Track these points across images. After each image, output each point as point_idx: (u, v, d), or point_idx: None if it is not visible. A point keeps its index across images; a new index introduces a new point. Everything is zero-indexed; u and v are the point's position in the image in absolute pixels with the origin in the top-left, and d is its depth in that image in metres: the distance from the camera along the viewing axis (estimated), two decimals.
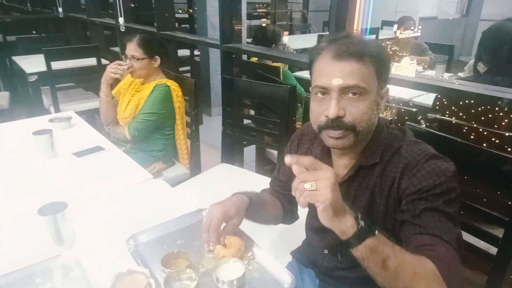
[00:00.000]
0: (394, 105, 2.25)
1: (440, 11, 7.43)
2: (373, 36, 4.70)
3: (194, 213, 1.09)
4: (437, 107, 1.75)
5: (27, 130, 1.60)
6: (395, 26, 3.62)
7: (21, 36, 4.17)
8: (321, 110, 0.87)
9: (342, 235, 0.76)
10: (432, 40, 5.27)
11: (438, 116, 1.52)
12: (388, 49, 3.71)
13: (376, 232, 0.75)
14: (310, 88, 0.91)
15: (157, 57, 1.94)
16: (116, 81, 2.04)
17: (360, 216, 0.76)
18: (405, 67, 2.47)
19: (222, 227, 0.91)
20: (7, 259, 0.92)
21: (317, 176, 0.72)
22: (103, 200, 1.20)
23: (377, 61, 0.86)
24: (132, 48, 1.86)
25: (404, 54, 3.45)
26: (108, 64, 1.96)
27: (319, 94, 0.87)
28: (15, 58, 3.63)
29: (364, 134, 0.89)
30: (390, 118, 1.64)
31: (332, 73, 0.83)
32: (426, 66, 3.31)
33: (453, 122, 1.49)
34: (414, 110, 1.65)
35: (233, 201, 0.95)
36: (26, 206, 1.14)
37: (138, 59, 1.87)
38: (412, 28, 3.62)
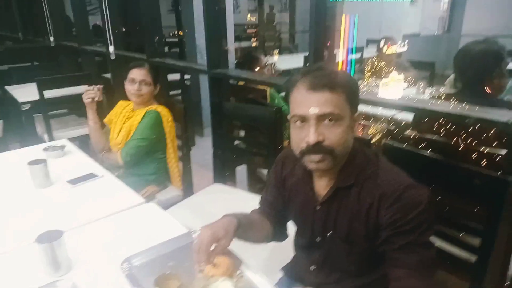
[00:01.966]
0: (377, 123, 2.33)
1: (422, 28, 7.69)
2: (358, 55, 4.86)
3: (184, 235, 1.14)
4: (415, 124, 1.84)
5: (22, 160, 1.66)
6: (381, 42, 3.76)
7: (14, 66, 4.24)
8: (301, 137, 0.94)
9: None
10: (417, 55, 5.45)
11: (414, 133, 1.60)
12: (375, 66, 3.84)
13: None
14: (289, 117, 0.99)
15: (158, 85, 2.05)
16: (108, 106, 2.12)
17: None
18: (391, 83, 2.54)
19: (212, 248, 0.97)
20: (5, 286, 0.96)
21: None
22: (97, 225, 1.25)
23: (348, 90, 0.95)
24: (143, 74, 1.97)
25: (389, 70, 3.56)
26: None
27: (298, 123, 0.95)
28: (8, 87, 3.69)
29: (341, 156, 0.97)
30: (370, 136, 1.72)
31: (309, 103, 0.92)
32: (411, 81, 3.42)
33: (429, 138, 1.57)
34: (393, 128, 1.73)
35: (222, 223, 1.00)
36: (23, 234, 1.19)
37: (147, 84, 1.98)
38: (397, 44, 3.76)
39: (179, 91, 4.58)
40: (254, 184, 2.64)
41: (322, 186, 1.04)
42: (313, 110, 0.91)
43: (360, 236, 0.98)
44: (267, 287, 0.94)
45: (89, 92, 1.98)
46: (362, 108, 2.47)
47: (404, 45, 4.42)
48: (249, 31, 9.13)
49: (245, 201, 1.98)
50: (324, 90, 0.91)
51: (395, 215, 0.92)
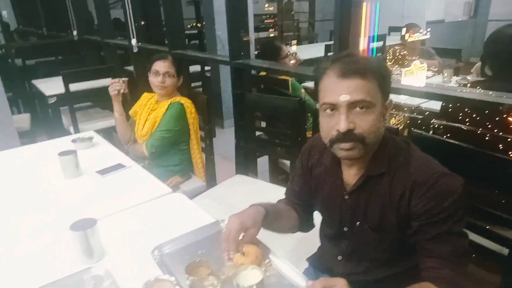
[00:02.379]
0: (401, 113, 2.28)
1: (447, 14, 7.44)
2: (381, 43, 4.75)
3: (213, 224, 1.15)
4: (443, 113, 1.79)
5: (51, 151, 1.71)
6: (403, 30, 3.67)
7: (40, 60, 4.36)
8: (331, 125, 0.93)
9: None
10: (441, 43, 5.28)
11: (443, 122, 1.56)
12: (397, 54, 3.75)
13: None
14: (318, 105, 0.98)
15: (181, 76, 2.07)
16: (132, 99, 2.15)
17: None
18: (415, 71, 2.47)
19: (240, 237, 0.98)
20: (41, 273, 0.99)
21: None
22: (127, 214, 1.28)
23: (379, 76, 0.92)
24: (167, 66, 1.99)
25: (413, 58, 3.47)
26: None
27: (328, 110, 0.93)
28: (34, 81, 3.79)
29: (373, 144, 0.95)
30: (397, 127, 1.69)
31: (339, 90, 0.90)
32: (435, 70, 3.33)
33: (459, 127, 1.52)
34: (420, 117, 1.69)
35: (250, 212, 1.01)
36: (57, 223, 1.23)
37: (170, 76, 2.00)
38: (421, 31, 3.65)
39: (200, 83, 4.61)
40: (276, 175, 2.64)
41: (351, 175, 1.03)
42: (344, 98, 0.89)
43: (391, 225, 0.97)
44: (296, 276, 0.95)
45: (115, 85, 2.02)
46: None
47: (427, 32, 4.29)
48: (266, 21, 9.04)
49: (267, 192, 1.99)
50: (355, 77, 0.89)
51: (429, 204, 0.90)
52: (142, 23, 3.24)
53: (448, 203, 0.89)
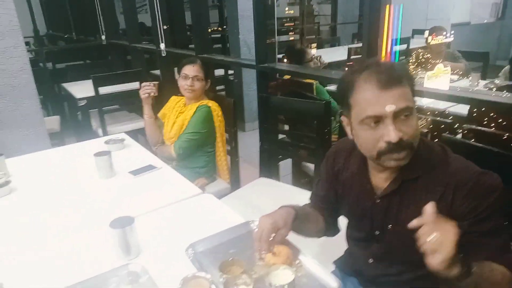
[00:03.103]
0: (423, 116, 2.26)
1: (473, 16, 7.28)
2: (404, 46, 4.70)
3: (243, 224, 1.19)
4: (472, 117, 1.77)
5: (85, 152, 1.78)
6: (426, 32, 3.62)
7: (70, 64, 4.52)
8: (377, 137, 0.92)
9: (446, 278, 0.81)
10: (466, 45, 5.18)
11: (473, 126, 1.54)
12: (421, 57, 3.71)
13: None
14: (348, 117, 0.97)
15: (209, 80, 2.13)
16: (157, 102, 2.22)
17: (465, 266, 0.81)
18: (438, 75, 2.44)
19: (271, 237, 1.00)
20: (81, 268, 1.05)
21: (443, 230, 0.77)
22: (160, 214, 1.33)
23: (410, 80, 0.94)
24: (196, 70, 2.05)
25: (437, 61, 3.43)
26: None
27: (372, 124, 0.92)
28: (64, 85, 3.94)
29: (416, 148, 0.95)
30: (426, 130, 1.68)
31: (383, 101, 0.89)
32: (461, 73, 3.28)
33: (490, 132, 1.51)
34: (448, 121, 1.67)
35: (281, 213, 1.03)
36: (93, 221, 1.29)
37: (199, 80, 2.06)
38: (444, 33, 3.60)
39: (223, 86, 4.67)
40: (299, 178, 2.65)
41: (381, 179, 1.04)
42: (390, 108, 0.88)
43: None
44: (326, 276, 0.96)
45: (146, 88, 2.08)
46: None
47: (450, 35, 4.22)
48: (287, 24, 9.06)
49: (291, 195, 2.01)
50: (396, 86, 0.89)
51: (474, 202, 0.90)
52: (165, 27, 3.30)
53: (492, 200, 0.89)
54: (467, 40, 6.53)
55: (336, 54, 4.83)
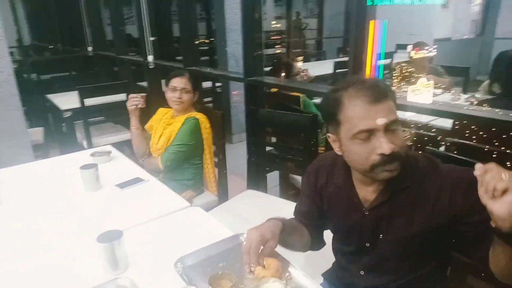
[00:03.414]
0: (407, 129, 2.31)
1: (454, 32, 7.52)
2: (388, 60, 4.82)
3: (233, 237, 1.18)
4: (456, 131, 1.82)
5: (70, 165, 1.76)
6: (409, 47, 3.72)
7: (55, 75, 4.47)
8: (369, 150, 0.94)
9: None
10: (448, 60, 5.34)
11: (456, 139, 1.59)
12: (404, 71, 3.80)
13: None
14: (346, 135, 0.97)
15: (197, 92, 2.14)
16: (144, 114, 2.21)
17: None
18: (421, 88, 2.48)
19: (260, 250, 1.00)
20: (69, 282, 1.03)
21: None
22: (147, 227, 1.31)
23: (393, 95, 0.98)
24: (184, 82, 2.06)
25: (420, 75, 3.51)
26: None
27: (363, 137, 0.94)
28: (49, 96, 3.89)
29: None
30: (410, 143, 1.72)
31: (373, 115, 0.92)
32: (444, 87, 3.36)
33: (472, 144, 1.55)
34: (432, 134, 1.72)
35: (269, 225, 1.04)
36: (79, 234, 1.27)
37: (187, 92, 2.07)
38: (427, 48, 3.70)
39: (210, 98, 4.68)
40: (286, 190, 2.67)
41: (368, 192, 1.05)
42: (382, 121, 0.91)
43: (419, 232, 0.99)
44: None
45: (133, 100, 2.07)
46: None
47: (433, 50, 4.33)
48: (273, 37, 9.18)
49: (279, 207, 2.01)
50: (383, 100, 0.93)
51: (474, 196, 0.87)
52: (152, 39, 3.32)
53: None
54: (449, 55, 6.73)
55: (322, 67, 4.90)
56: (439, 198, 0.97)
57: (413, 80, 3.50)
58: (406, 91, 2.02)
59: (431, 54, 3.86)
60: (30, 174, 1.83)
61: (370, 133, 0.93)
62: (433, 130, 2.29)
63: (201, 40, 7.30)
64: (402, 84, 3.59)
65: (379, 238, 1.05)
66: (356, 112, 0.94)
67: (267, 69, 2.85)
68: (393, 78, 3.78)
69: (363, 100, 0.93)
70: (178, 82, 2.05)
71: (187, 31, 2.96)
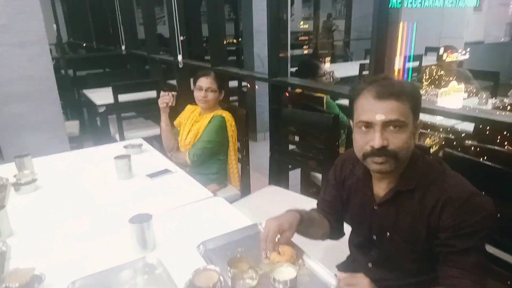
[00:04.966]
0: (436, 133, 2.31)
1: (487, 35, 7.31)
2: (417, 63, 4.77)
3: (251, 226, 1.27)
4: (476, 135, 1.83)
5: (105, 156, 1.90)
6: (441, 49, 3.68)
7: (90, 72, 4.69)
8: (366, 141, 1.02)
9: None
10: (480, 64, 5.21)
11: (475, 143, 1.61)
12: (434, 74, 3.76)
13: None
14: (353, 122, 1.07)
15: (223, 91, 2.23)
16: (174, 111, 2.33)
17: None
18: (451, 92, 2.42)
19: (277, 239, 1.08)
20: (102, 259, 1.14)
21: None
22: (174, 213, 1.43)
23: (412, 99, 1.02)
24: (210, 82, 2.16)
25: (450, 79, 3.47)
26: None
27: (363, 128, 1.02)
28: (85, 91, 4.11)
29: (403, 160, 1.03)
30: (429, 146, 1.75)
31: (375, 110, 0.99)
32: (473, 92, 3.31)
33: (491, 148, 1.57)
34: (453, 137, 1.74)
35: (287, 217, 1.12)
36: (113, 217, 1.39)
37: (212, 91, 2.16)
38: (460, 51, 3.65)
39: (236, 97, 4.79)
40: (307, 188, 2.73)
41: (381, 188, 1.12)
42: (380, 117, 0.98)
43: (421, 237, 1.04)
44: (327, 276, 1.04)
45: (165, 98, 2.20)
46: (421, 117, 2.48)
47: (465, 53, 4.25)
48: (301, 38, 9.19)
49: (299, 203, 2.06)
50: (391, 99, 0.98)
51: (459, 219, 0.97)
52: (182, 38, 3.44)
53: (475, 220, 0.96)
54: (481, 59, 6.55)
55: (348, 69, 4.91)
56: (434, 209, 1.01)
57: (443, 83, 3.47)
58: (435, 94, 2.02)
59: (464, 58, 3.80)
60: (68, 163, 1.99)
61: (368, 125, 1.01)
62: (463, 134, 2.28)
63: (229, 41, 7.44)
64: (431, 87, 3.56)
65: (386, 235, 1.11)
66: (363, 104, 1.02)
67: (293, 69, 2.91)
68: (423, 80, 3.76)
69: (371, 95, 1.00)
70: (204, 81, 2.15)
71: (215, 31, 3.06)
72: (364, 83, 1.05)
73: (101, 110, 3.47)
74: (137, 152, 2.02)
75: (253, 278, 0.99)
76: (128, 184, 1.69)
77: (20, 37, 2.92)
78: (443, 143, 2.36)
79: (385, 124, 0.99)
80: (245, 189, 2.37)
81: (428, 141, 2.47)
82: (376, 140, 0.99)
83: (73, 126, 3.77)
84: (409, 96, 1.01)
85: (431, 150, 2.15)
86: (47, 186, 1.68)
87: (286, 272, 1.01)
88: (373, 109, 1.00)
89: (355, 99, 1.06)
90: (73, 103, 4.90)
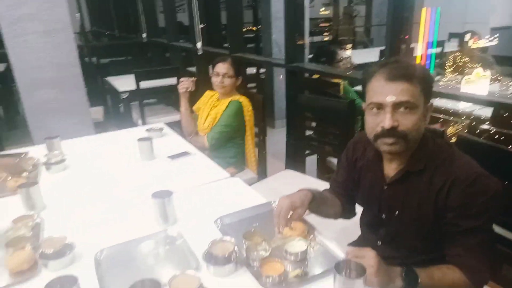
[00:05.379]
0: (459, 120, 2.30)
1: None
2: (439, 49, 4.67)
3: (265, 204, 1.34)
4: (495, 119, 1.83)
5: (129, 138, 2.00)
6: (467, 36, 3.58)
7: (113, 59, 4.82)
8: (377, 122, 1.05)
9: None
10: (506, 50, 5.05)
11: (491, 127, 1.61)
12: (458, 61, 3.68)
13: (419, 274, 0.97)
14: (364, 104, 1.11)
15: (240, 77, 2.28)
16: (193, 97, 2.41)
17: (404, 274, 0.97)
18: (476, 79, 2.37)
19: (289, 215, 1.14)
20: (127, 231, 1.23)
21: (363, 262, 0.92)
22: (193, 191, 1.51)
23: (423, 82, 1.04)
24: (226, 67, 2.21)
25: (474, 66, 3.40)
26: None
27: (375, 109, 1.05)
28: (108, 78, 4.23)
29: (413, 141, 1.06)
30: (443, 129, 1.76)
31: (386, 92, 1.02)
32: (495, 77, 3.24)
33: (508, 133, 1.57)
34: (472, 122, 1.74)
35: (299, 195, 1.18)
36: (137, 194, 1.49)
37: (229, 77, 2.22)
38: (487, 37, 3.55)
39: (254, 84, 4.83)
40: (323, 173, 2.77)
41: (391, 169, 1.15)
42: (390, 98, 1.01)
43: (428, 216, 1.08)
44: (336, 249, 1.09)
45: (185, 83, 2.27)
46: (442, 103, 2.47)
47: (492, 39, 4.12)
48: (321, 25, 9.08)
49: (315, 186, 2.11)
50: (402, 81, 1.01)
51: (466, 199, 1.00)
52: (201, 26, 3.50)
53: (483, 201, 0.99)
54: (508, 44, 6.33)
55: (368, 56, 4.85)
56: (441, 189, 1.04)
57: (466, 70, 3.40)
58: (459, 81, 2.01)
59: (492, 44, 3.69)
60: (94, 145, 2.10)
61: (380, 107, 1.04)
62: (481, 119, 2.27)
63: (247, 28, 7.44)
64: (455, 74, 3.50)
65: (394, 214, 1.15)
66: (374, 86, 1.05)
67: (311, 56, 2.93)
68: (446, 67, 3.69)
69: (383, 77, 1.03)
70: (221, 67, 2.21)
71: (234, 18, 3.11)
72: (377, 65, 1.08)
73: (124, 96, 3.58)
74: (158, 136, 2.11)
75: (266, 250, 1.05)
76: (150, 164, 1.78)
77: (46, 25, 3.03)
78: (461, 127, 2.35)
79: (396, 106, 1.01)
80: (262, 173, 2.44)
81: (451, 130, 2.45)
82: (386, 121, 1.02)
83: (98, 112, 3.90)
84: (420, 79, 1.03)
85: (450, 134, 2.16)
86: (75, 166, 1.79)
87: (298, 245, 1.07)
88: (384, 91, 1.02)
89: (367, 81, 1.09)
90: (96, 90, 5.05)
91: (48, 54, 3.09)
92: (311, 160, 2.87)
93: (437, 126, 2.37)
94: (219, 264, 1.00)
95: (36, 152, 1.89)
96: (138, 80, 3.33)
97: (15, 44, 2.97)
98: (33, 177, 1.62)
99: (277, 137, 3.63)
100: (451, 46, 4.78)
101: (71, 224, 1.30)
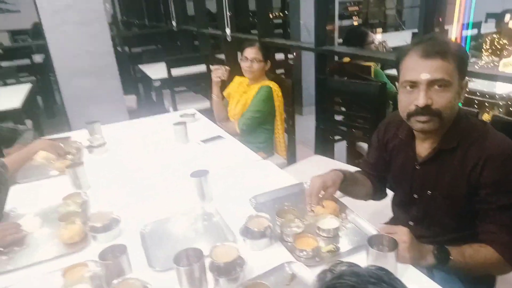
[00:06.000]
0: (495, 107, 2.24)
1: None
2: (475, 31, 4.48)
3: (297, 184, 1.38)
4: None
5: (165, 123, 2.07)
6: (507, 16, 3.42)
7: (145, 48, 4.94)
8: (410, 100, 1.05)
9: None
10: None
11: None
12: (495, 43, 3.52)
13: (451, 252, 1.00)
14: (398, 83, 1.11)
15: (268, 61, 2.30)
16: (224, 83, 2.45)
17: (436, 251, 1.00)
18: None
19: (321, 194, 1.18)
20: (167, 208, 1.30)
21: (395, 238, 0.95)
22: (227, 172, 1.57)
23: (458, 59, 1.03)
24: (254, 52, 2.24)
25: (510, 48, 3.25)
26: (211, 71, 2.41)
27: (408, 87, 1.05)
28: (140, 66, 4.35)
29: (447, 119, 1.06)
30: (477, 111, 1.72)
31: (421, 69, 1.01)
32: None
33: None
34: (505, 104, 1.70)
35: (331, 175, 1.21)
36: (176, 174, 1.57)
37: (258, 61, 2.24)
38: None
39: (283, 70, 4.83)
40: (353, 158, 2.76)
41: (423, 148, 1.16)
42: (425, 76, 1.00)
43: (461, 194, 1.08)
44: (368, 226, 1.12)
45: (218, 72, 2.32)
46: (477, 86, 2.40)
47: None
48: (350, 8, 8.87)
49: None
50: (436, 58, 1.00)
51: (500, 175, 1.00)
52: (229, 13, 3.52)
53: None
54: None
55: (399, 38, 4.73)
56: (475, 167, 1.04)
57: (506, 53, 3.26)
58: (497, 65, 1.94)
59: None
60: (130, 130, 2.20)
61: (414, 85, 1.03)
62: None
63: (275, 14, 7.38)
64: (492, 57, 3.36)
65: (426, 193, 1.16)
66: (408, 63, 1.05)
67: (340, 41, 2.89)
68: (483, 50, 3.55)
69: (417, 54, 1.03)
70: (249, 52, 2.23)
71: (262, 3, 3.11)
72: (411, 43, 1.08)
73: (156, 84, 3.68)
74: (191, 121, 2.18)
75: (300, 227, 1.09)
76: (184, 147, 1.86)
77: (82, 15, 3.16)
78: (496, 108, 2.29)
79: (430, 83, 1.01)
80: (291, 158, 2.47)
81: (486, 116, 2.38)
82: (420, 99, 1.01)
83: (131, 100, 4.03)
84: (455, 56, 1.02)
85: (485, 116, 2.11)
86: (115, 149, 1.89)
87: (330, 222, 1.11)
88: (418, 69, 1.02)
89: (401, 60, 1.08)
90: (129, 78, 5.20)
91: (84, 44, 3.22)
92: (340, 146, 2.87)
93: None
94: (255, 238, 1.05)
95: (77, 136, 2.01)
96: (169, 68, 3.42)
97: (55, 34, 3.12)
98: (78, 159, 1.73)
99: (306, 124, 3.64)
100: (489, 27, 4.57)
101: (115, 201, 1.39)
